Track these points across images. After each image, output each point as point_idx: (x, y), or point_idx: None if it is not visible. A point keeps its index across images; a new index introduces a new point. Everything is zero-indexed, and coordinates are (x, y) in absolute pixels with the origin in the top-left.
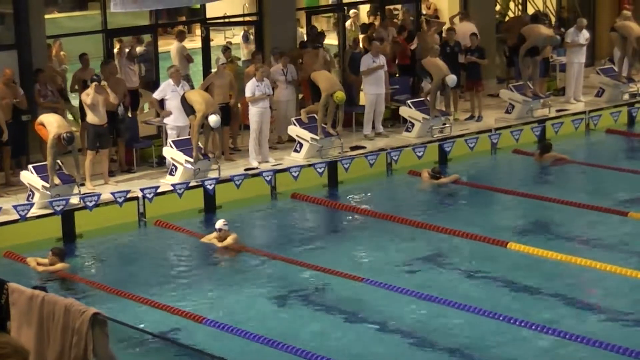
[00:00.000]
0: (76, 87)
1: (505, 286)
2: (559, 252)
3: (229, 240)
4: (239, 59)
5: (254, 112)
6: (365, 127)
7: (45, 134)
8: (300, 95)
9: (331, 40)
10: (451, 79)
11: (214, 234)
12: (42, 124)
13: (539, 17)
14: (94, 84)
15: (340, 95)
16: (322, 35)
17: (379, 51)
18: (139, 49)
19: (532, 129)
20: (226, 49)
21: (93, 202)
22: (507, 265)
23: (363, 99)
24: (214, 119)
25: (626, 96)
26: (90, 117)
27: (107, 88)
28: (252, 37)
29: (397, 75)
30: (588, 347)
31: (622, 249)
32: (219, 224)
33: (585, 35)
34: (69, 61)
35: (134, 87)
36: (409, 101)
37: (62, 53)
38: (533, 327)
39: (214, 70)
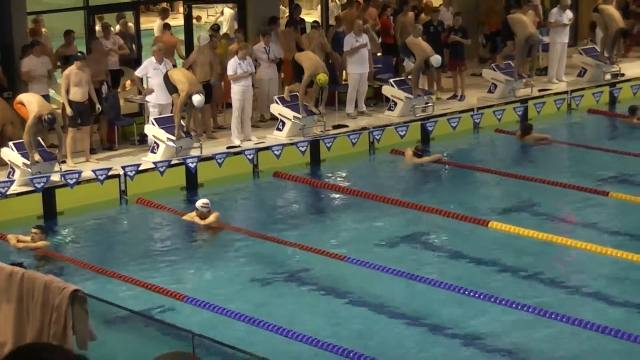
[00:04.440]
0: (58, 63)
1: (487, 265)
2: (540, 232)
3: (211, 218)
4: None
5: (236, 90)
6: (348, 106)
7: (25, 113)
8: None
9: (313, 18)
10: (436, 59)
11: (195, 212)
12: (22, 103)
13: None
14: (77, 61)
15: (323, 77)
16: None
17: (362, 30)
18: (119, 27)
19: (515, 108)
20: (217, 27)
21: (74, 180)
22: (488, 244)
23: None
24: (197, 99)
25: (608, 76)
26: (72, 94)
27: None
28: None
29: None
30: (568, 325)
31: (603, 229)
32: (199, 204)
33: (568, 15)
34: (52, 39)
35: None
36: (391, 80)
37: (44, 30)
38: (514, 305)
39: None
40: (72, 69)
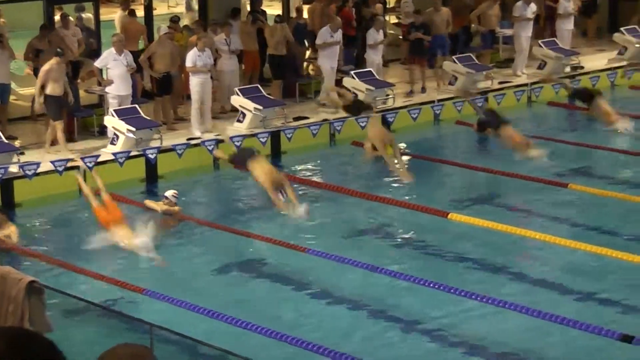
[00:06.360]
0: (30, 55)
1: (447, 256)
2: (500, 223)
3: (175, 208)
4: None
5: (194, 82)
6: (322, 96)
7: None
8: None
9: (275, 10)
10: None
11: (163, 201)
12: None
13: None
14: (56, 58)
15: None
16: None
17: (338, 27)
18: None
19: (475, 99)
20: (177, 19)
21: (32, 171)
22: (448, 236)
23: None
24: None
25: (567, 69)
26: (52, 89)
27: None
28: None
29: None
30: (527, 317)
31: (562, 220)
32: (169, 193)
33: (532, 8)
34: (10, 30)
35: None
36: (352, 72)
37: (1, 20)
38: (474, 297)
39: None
40: (52, 65)
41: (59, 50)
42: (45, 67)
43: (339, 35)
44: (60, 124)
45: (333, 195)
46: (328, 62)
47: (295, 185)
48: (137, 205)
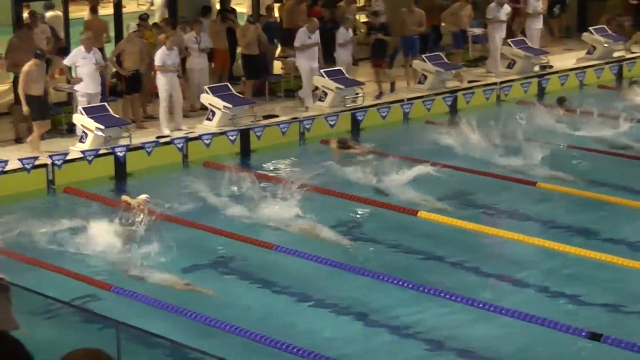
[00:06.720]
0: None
1: (415, 255)
2: (469, 221)
3: (149, 207)
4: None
5: (162, 81)
6: (306, 100)
7: None
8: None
9: (244, 9)
10: None
11: (137, 200)
12: None
13: None
14: (35, 59)
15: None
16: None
17: (315, 28)
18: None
19: (444, 98)
20: (146, 17)
21: (0, 169)
22: (416, 234)
23: (277, 69)
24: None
25: (537, 68)
26: (33, 90)
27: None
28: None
29: None
30: (498, 316)
31: (530, 218)
32: (142, 197)
33: (506, 10)
34: None
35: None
36: (322, 70)
37: None
38: (442, 294)
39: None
40: (31, 66)
41: (38, 52)
42: (24, 69)
43: (316, 36)
44: (39, 124)
45: (302, 193)
46: (307, 62)
47: (263, 184)
48: (109, 204)
